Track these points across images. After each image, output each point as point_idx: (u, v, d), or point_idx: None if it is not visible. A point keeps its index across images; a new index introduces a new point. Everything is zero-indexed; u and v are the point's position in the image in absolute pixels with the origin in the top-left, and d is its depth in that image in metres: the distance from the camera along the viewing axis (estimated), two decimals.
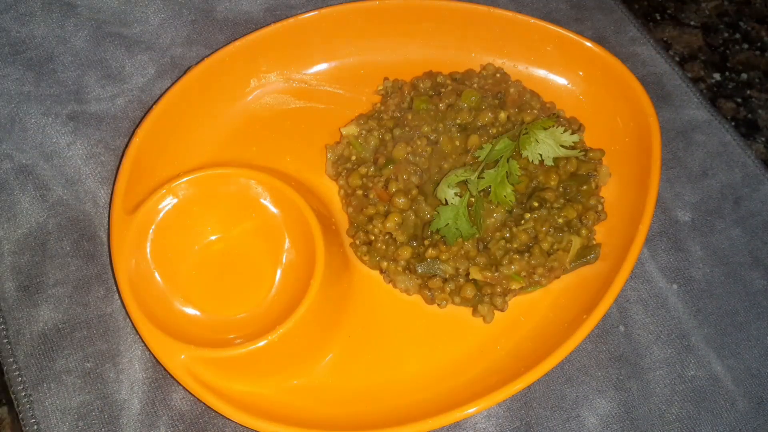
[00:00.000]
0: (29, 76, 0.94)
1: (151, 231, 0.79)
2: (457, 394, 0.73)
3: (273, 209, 0.83)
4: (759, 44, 1.10)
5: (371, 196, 0.82)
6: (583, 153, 0.84)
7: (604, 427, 0.75)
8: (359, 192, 0.83)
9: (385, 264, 0.80)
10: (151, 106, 0.86)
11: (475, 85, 0.89)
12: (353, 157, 0.86)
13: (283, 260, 0.81)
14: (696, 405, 0.77)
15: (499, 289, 0.77)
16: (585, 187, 0.82)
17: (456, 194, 0.78)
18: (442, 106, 0.86)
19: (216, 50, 0.90)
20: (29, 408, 0.74)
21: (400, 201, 0.80)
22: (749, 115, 1.04)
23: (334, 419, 0.73)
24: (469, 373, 0.76)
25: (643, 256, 0.84)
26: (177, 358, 0.71)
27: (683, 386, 0.77)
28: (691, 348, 0.79)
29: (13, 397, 0.75)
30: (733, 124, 1.02)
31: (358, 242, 0.82)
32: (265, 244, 0.82)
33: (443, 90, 0.88)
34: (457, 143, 0.84)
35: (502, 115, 0.85)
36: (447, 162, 0.83)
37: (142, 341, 0.75)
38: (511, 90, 0.89)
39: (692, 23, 1.12)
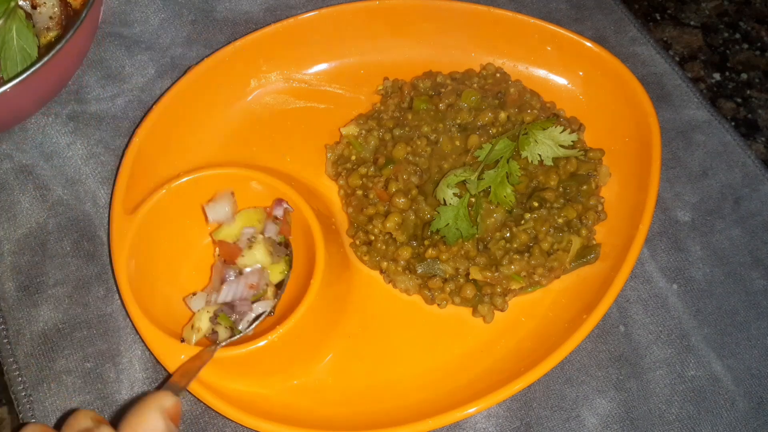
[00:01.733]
0: None
1: (151, 231, 0.79)
2: (457, 394, 0.73)
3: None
4: (759, 44, 1.10)
5: (371, 196, 0.82)
6: (582, 153, 0.84)
7: (604, 427, 0.75)
8: (359, 192, 0.83)
9: (385, 264, 0.80)
10: (151, 106, 0.86)
11: (475, 85, 0.89)
12: (353, 157, 0.86)
13: None
14: (696, 405, 0.77)
15: (499, 289, 0.77)
16: (585, 187, 0.82)
17: (455, 194, 0.78)
18: (442, 106, 0.86)
19: (216, 50, 0.90)
20: (29, 408, 0.74)
21: (400, 201, 0.80)
22: (749, 115, 1.04)
23: (334, 419, 0.73)
24: (469, 373, 0.76)
25: (643, 256, 0.84)
26: (177, 358, 0.71)
27: (683, 386, 0.78)
28: (691, 348, 0.79)
29: (13, 397, 0.75)
30: (733, 124, 1.02)
31: (358, 242, 0.82)
32: None
33: (443, 90, 0.88)
34: (457, 143, 0.84)
35: (502, 115, 0.85)
36: (447, 162, 0.83)
37: (142, 341, 0.75)
38: (511, 90, 0.89)
39: (692, 23, 1.12)
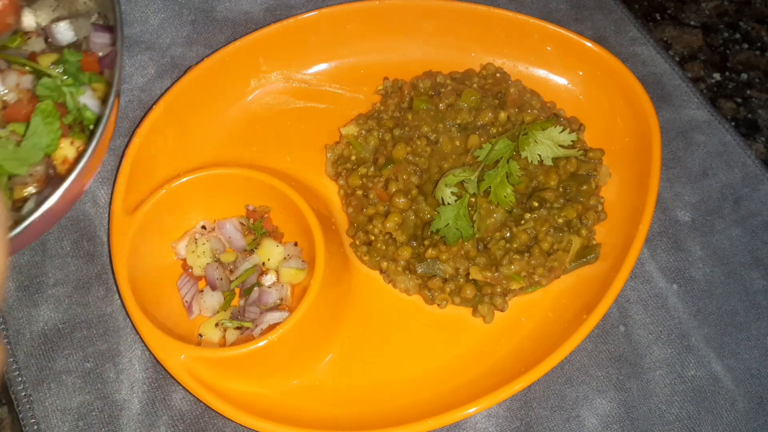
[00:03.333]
0: None
1: (151, 231, 0.79)
2: (457, 394, 0.73)
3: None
4: (759, 44, 1.10)
5: (371, 196, 0.82)
6: (582, 153, 0.84)
7: (604, 427, 0.75)
8: (359, 192, 0.83)
9: (385, 264, 0.80)
10: (151, 106, 0.86)
11: (475, 85, 0.89)
12: (353, 157, 0.86)
13: None
14: (696, 405, 0.77)
15: (499, 289, 0.77)
16: (585, 187, 0.82)
17: (453, 194, 0.78)
18: (442, 106, 0.86)
19: (216, 50, 0.90)
20: (29, 408, 0.74)
21: (400, 201, 0.80)
22: (749, 115, 1.04)
23: (334, 419, 0.73)
24: (469, 373, 0.76)
25: (643, 256, 0.84)
26: (177, 358, 0.71)
27: (683, 386, 0.78)
28: (691, 348, 0.79)
29: (13, 397, 0.75)
30: (733, 124, 1.02)
31: (358, 242, 0.82)
32: None
33: (443, 90, 0.88)
34: (457, 143, 0.84)
35: (502, 115, 0.85)
36: (447, 162, 0.83)
37: (142, 341, 0.75)
38: (512, 90, 0.89)
39: (692, 23, 1.12)
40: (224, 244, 0.81)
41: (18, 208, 0.73)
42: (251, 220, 0.82)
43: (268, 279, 0.78)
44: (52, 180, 0.74)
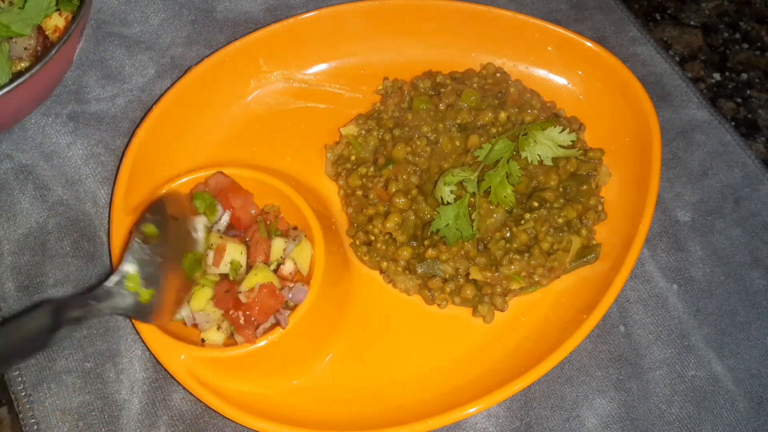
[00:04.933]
0: None
1: None
2: (457, 394, 0.73)
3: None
4: (759, 44, 1.10)
5: (371, 196, 0.82)
6: (582, 153, 0.84)
7: (604, 427, 0.75)
8: (359, 192, 0.83)
9: (385, 264, 0.80)
10: (151, 106, 0.86)
11: (475, 85, 0.89)
12: (353, 157, 0.86)
13: None
14: (696, 405, 0.77)
15: (499, 289, 0.77)
16: (585, 187, 0.82)
17: (452, 192, 0.78)
18: (442, 106, 0.86)
19: (216, 50, 0.90)
20: (29, 408, 0.74)
21: (400, 201, 0.80)
22: (749, 115, 1.04)
23: (334, 419, 0.73)
24: (469, 373, 0.76)
25: (643, 256, 0.84)
26: (177, 358, 0.71)
27: (683, 386, 0.78)
28: (691, 348, 0.79)
29: (13, 397, 0.75)
30: (733, 124, 1.02)
31: (358, 242, 0.82)
32: None
33: (443, 90, 0.88)
34: (457, 143, 0.84)
35: (503, 115, 0.85)
36: (447, 162, 0.83)
37: (143, 341, 0.75)
38: (512, 89, 0.89)
39: (692, 23, 1.12)
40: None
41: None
42: (267, 222, 0.82)
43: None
44: (47, 51, 0.83)
